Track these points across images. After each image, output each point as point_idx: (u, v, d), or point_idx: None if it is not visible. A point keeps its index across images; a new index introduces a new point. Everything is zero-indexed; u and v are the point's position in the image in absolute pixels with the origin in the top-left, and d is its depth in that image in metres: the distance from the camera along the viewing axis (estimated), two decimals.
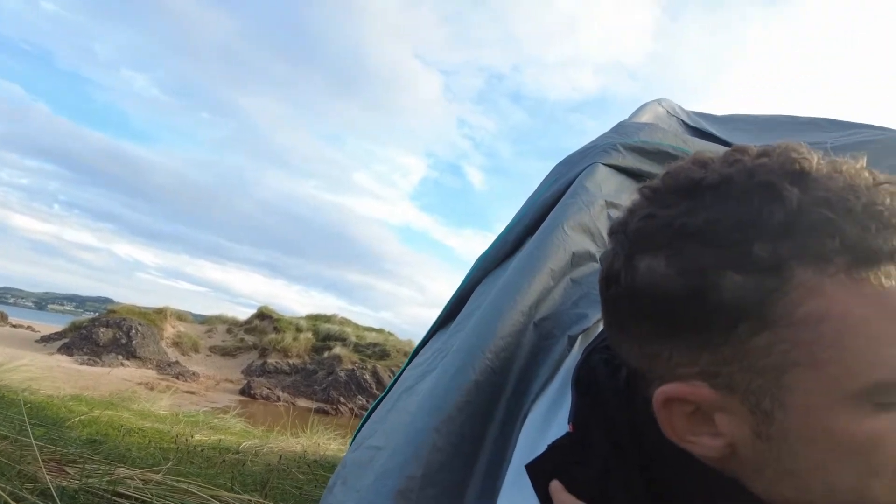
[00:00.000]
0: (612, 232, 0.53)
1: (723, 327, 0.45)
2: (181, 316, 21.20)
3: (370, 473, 0.75)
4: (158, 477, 1.58)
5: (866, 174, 0.45)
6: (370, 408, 1.47)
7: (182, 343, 19.49)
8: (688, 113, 1.88)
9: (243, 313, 23.20)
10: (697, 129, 1.72)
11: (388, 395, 1.12)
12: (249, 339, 20.70)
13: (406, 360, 1.39)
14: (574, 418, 0.70)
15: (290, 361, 19.42)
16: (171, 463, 2.12)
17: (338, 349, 19.62)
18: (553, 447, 0.68)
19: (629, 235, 0.50)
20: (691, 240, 0.45)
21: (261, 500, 1.65)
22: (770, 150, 0.47)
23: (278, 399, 16.75)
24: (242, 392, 16.96)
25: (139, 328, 17.97)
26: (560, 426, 0.77)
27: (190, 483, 1.54)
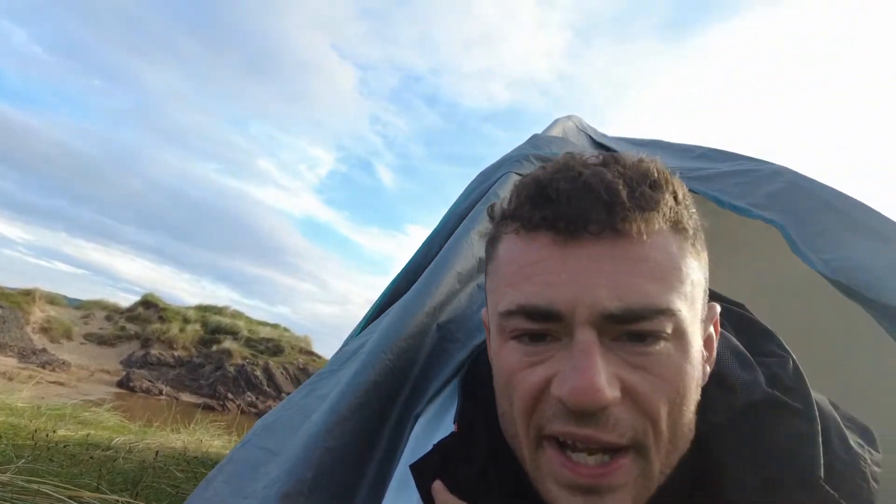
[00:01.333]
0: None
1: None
2: (53, 299, 19.24)
3: (262, 478, 0.71)
4: (5, 477, 1.40)
5: (579, 167, 0.59)
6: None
7: (52, 329, 17.67)
8: (595, 132, 1.98)
9: (126, 300, 21.45)
10: (603, 145, 1.81)
11: (289, 397, 1.07)
12: (131, 327, 19.20)
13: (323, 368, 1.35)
14: (459, 418, 0.71)
15: (176, 354, 18.24)
16: (22, 461, 1.90)
17: (228, 343, 18.70)
18: (438, 446, 0.68)
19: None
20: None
21: (130, 501, 1.52)
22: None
23: (160, 393, 15.68)
24: (120, 384, 15.69)
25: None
26: (448, 427, 0.76)
27: (43, 483, 1.38)
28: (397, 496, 0.68)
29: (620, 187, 0.56)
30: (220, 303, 22.55)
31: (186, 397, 15.83)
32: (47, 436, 2.42)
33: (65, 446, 2.38)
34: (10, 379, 10.57)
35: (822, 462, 0.61)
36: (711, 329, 0.68)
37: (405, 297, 0.93)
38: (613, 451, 0.56)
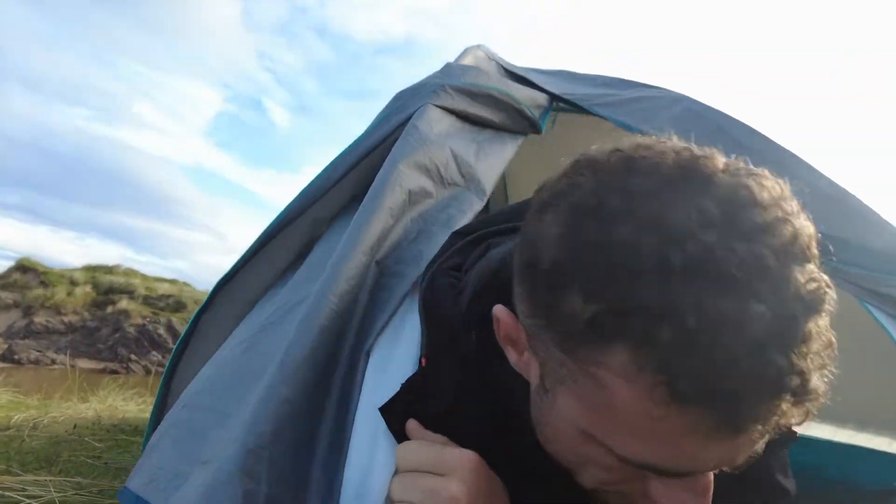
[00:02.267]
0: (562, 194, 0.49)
1: (557, 325, 0.47)
2: None
3: (218, 441, 0.69)
4: None
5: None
6: (172, 354, 1.33)
7: None
8: (503, 59, 1.97)
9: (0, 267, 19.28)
10: (515, 74, 1.81)
11: (220, 355, 1.03)
12: (8, 296, 17.41)
13: (206, 298, 1.28)
14: (425, 351, 0.71)
15: (66, 319, 16.89)
16: None
17: (124, 303, 17.55)
18: (406, 384, 0.68)
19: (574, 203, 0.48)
20: (602, 251, 0.43)
21: (52, 478, 1.43)
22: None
23: (52, 362, 14.60)
24: (3, 358, 14.39)
25: None
26: (400, 362, 0.77)
27: None
28: (363, 436, 0.68)
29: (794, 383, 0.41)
30: (110, 261, 20.91)
31: (85, 364, 14.83)
32: None
33: None
34: None
35: None
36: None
37: (343, 240, 0.91)
38: None
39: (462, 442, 0.64)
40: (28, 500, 1.18)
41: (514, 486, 0.64)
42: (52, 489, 1.24)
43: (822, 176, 1.40)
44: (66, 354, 15.24)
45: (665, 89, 1.79)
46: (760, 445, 0.46)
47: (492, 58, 1.83)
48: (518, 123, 1.50)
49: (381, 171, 1.06)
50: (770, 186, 0.45)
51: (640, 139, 0.50)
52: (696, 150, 0.48)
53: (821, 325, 0.42)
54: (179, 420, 0.84)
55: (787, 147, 1.50)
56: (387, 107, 1.36)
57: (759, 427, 0.42)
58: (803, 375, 0.41)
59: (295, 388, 0.70)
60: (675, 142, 0.49)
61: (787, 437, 0.67)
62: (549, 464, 0.61)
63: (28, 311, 16.86)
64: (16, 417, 2.61)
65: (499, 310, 0.59)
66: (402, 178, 1.06)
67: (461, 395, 0.67)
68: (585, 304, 0.43)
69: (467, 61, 1.64)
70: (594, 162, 0.49)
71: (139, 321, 16.94)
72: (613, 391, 0.45)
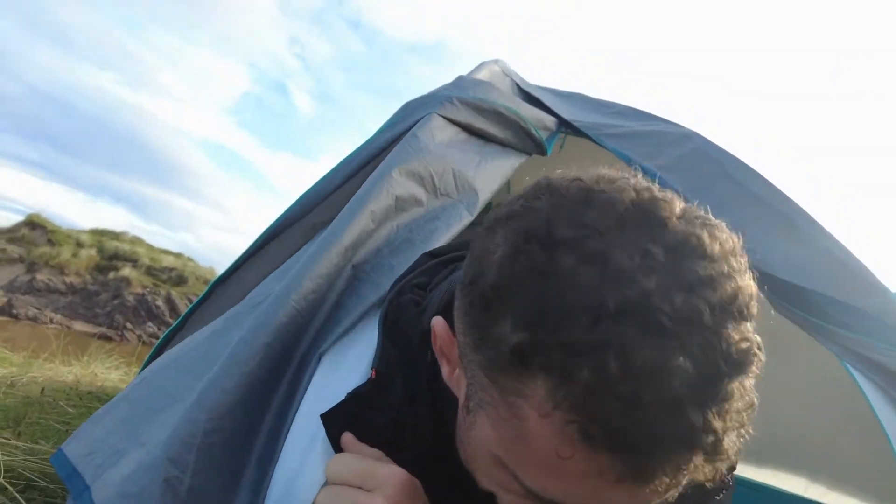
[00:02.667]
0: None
1: (485, 347, 0.47)
2: None
3: (159, 426, 0.68)
4: None
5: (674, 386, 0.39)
6: (162, 337, 1.34)
7: None
8: (519, 77, 1.96)
9: (7, 219, 19.47)
10: (528, 94, 1.80)
11: (191, 337, 1.02)
12: (14, 250, 17.55)
13: (204, 291, 1.29)
14: (377, 363, 0.71)
15: (67, 280, 17.00)
16: None
17: (127, 270, 17.64)
18: (351, 394, 0.68)
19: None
20: (541, 280, 0.42)
21: (9, 440, 1.43)
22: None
23: (49, 321, 14.67)
24: (2, 311, 14.48)
25: None
26: (350, 371, 0.76)
27: None
28: (298, 438, 0.68)
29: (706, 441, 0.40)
30: (118, 227, 21.07)
31: (80, 326, 14.92)
32: None
33: None
34: None
35: None
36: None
37: (319, 240, 0.90)
38: None
39: (399, 459, 0.63)
40: None
41: None
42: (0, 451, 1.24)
43: (829, 236, 1.38)
44: (63, 315, 15.34)
45: (677, 125, 1.78)
46: (672, 495, 0.45)
47: (507, 74, 1.83)
48: (524, 143, 1.49)
49: (373, 175, 1.05)
50: (723, 239, 0.44)
51: (604, 171, 0.49)
52: (656, 191, 0.47)
53: (745, 386, 0.41)
54: (132, 396, 0.83)
55: (797, 201, 1.48)
56: (394, 115, 1.36)
57: (667, 480, 0.41)
58: (717, 435, 0.40)
59: (238, 381, 0.70)
60: (639, 180, 0.48)
61: (722, 487, 0.65)
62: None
63: (32, 267, 16.99)
64: None
65: (437, 322, 0.59)
66: (392, 184, 1.05)
67: (406, 412, 0.66)
68: (513, 332, 0.43)
69: (481, 75, 1.64)
70: (553, 188, 0.48)
71: (139, 290, 17.02)
72: (528, 424, 0.44)
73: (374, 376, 0.69)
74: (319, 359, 0.77)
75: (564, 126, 1.72)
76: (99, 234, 19.79)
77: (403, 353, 0.70)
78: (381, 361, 0.70)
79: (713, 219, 0.46)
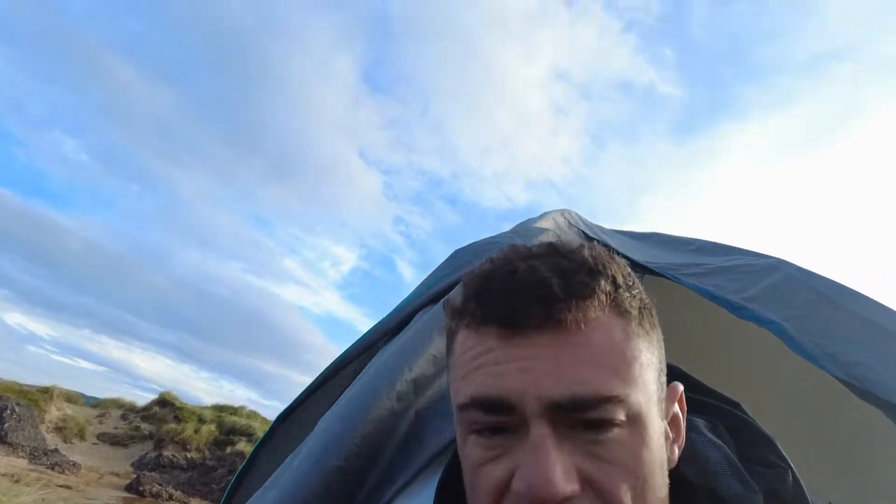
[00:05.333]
0: None
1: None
2: (71, 397, 19.12)
3: None
4: None
5: (517, 261, 0.61)
6: (233, 479, 1.34)
7: (66, 428, 17.42)
8: (590, 226, 2.00)
9: (143, 398, 21.20)
10: (596, 239, 1.82)
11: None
12: (146, 427, 18.84)
13: (267, 430, 1.30)
14: None
15: (189, 455, 17.72)
16: None
17: (242, 445, 18.12)
18: None
19: None
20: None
21: None
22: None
23: (170, 498, 15.05)
24: (129, 488, 15.13)
25: (16, 409, 15.95)
26: None
27: None
28: None
29: (554, 280, 0.57)
30: (237, 402, 22.17)
31: (196, 502, 15.17)
32: None
33: None
34: (17, 481, 10.27)
35: None
36: (676, 408, 0.67)
37: (370, 376, 0.91)
38: None
39: None
40: None
41: None
42: None
43: None
44: (182, 491, 15.75)
45: (762, 255, 1.70)
46: (594, 376, 0.55)
47: (573, 223, 1.87)
48: None
49: (430, 315, 1.07)
50: (620, 264, 0.63)
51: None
52: (608, 255, 0.63)
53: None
54: None
55: None
56: (455, 255, 1.39)
57: (536, 323, 0.56)
58: (565, 277, 0.57)
59: None
60: (600, 248, 0.64)
61: None
62: None
63: (160, 443, 17.99)
64: None
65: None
66: None
67: None
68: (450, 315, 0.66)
69: (545, 224, 1.69)
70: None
71: None
72: (454, 348, 0.64)
73: None
74: None
75: (639, 270, 1.69)
76: (220, 409, 20.89)
77: None
78: None
79: (610, 255, 0.64)
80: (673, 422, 0.66)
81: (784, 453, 0.72)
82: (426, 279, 1.35)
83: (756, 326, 1.31)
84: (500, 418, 0.57)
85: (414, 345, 0.99)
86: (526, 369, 0.55)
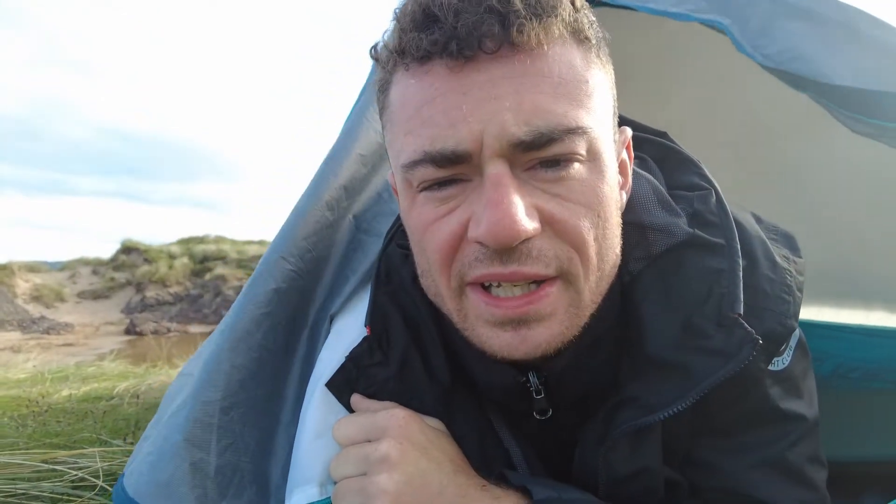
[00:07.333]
0: None
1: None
2: (32, 267, 18.97)
3: (173, 405, 0.68)
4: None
5: None
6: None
7: (43, 296, 17.63)
8: None
9: (107, 251, 21.14)
10: None
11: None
12: (120, 276, 19.15)
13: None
14: (371, 318, 0.68)
15: (171, 290, 18.39)
16: (30, 429, 1.94)
17: (219, 269, 18.78)
18: (350, 356, 0.66)
19: None
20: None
21: (121, 446, 1.57)
22: None
23: (168, 331, 16.02)
24: (128, 332, 15.99)
25: None
26: (360, 327, 0.73)
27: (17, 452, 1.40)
28: (317, 401, 0.66)
29: None
30: (199, 232, 22.34)
31: (196, 328, 16.20)
32: (43, 398, 2.47)
33: (68, 405, 2.43)
34: (17, 351, 10.68)
35: (741, 297, 0.59)
36: (625, 153, 0.64)
37: (301, 196, 0.85)
38: (540, 282, 0.54)
39: (419, 404, 0.63)
40: (74, 473, 1.30)
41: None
42: (99, 460, 1.35)
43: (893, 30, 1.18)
44: (178, 322, 16.71)
45: None
46: (559, 107, 0.51)
47: None
48: None
49: (352, 116, 0.97)
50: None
51: None
52: None
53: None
54: (169, 389, 0.85)
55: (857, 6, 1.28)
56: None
57: (492, 46, 0.49)
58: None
59: (247, 355, 0.68)
60: None
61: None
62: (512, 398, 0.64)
63: (140, 287, 18.50)
64: (118, 387, 2.89)
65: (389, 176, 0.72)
66: (375, 122, 0.97)
67: (413, 356, 0.64)
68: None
69: None
70: None
71: (236, 283, 18.09)
72: (390, 101, 0.57)
73: (368, 333, 0.67)
74: (331, 321, 0.75)
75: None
76: (186, 242, 21.11)
77: (400, 297, 0.69)
78: (374, 317, 0.68)
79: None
80: (622, 167, 0.64)
81: (708, 174, 0.72)
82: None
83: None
84: (455, 170, 0.53)
85: (338, 148, 0.90)
86: (483, 109, 0.50)
